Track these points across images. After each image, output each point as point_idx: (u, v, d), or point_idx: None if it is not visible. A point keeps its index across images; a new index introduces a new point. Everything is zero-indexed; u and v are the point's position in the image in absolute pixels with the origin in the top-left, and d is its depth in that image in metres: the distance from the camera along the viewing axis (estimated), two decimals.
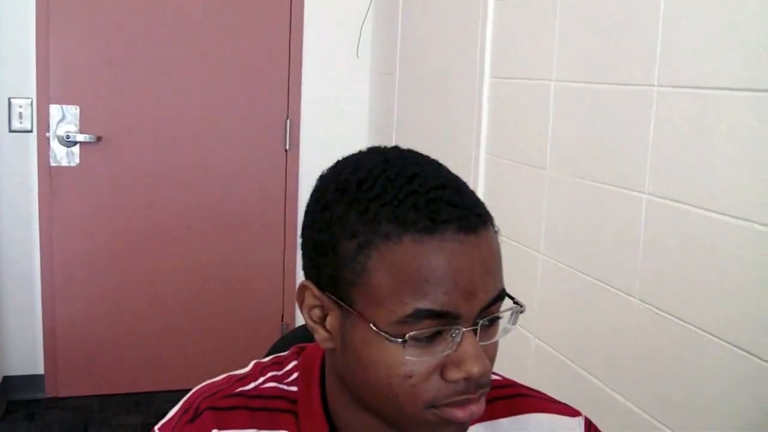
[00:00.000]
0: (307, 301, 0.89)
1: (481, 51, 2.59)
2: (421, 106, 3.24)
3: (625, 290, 1.86)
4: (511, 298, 0.87)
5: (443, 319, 0.80)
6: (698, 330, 1.62)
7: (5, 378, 3.86)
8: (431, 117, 3.11)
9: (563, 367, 2.12)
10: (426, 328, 0.80)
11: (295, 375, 0.98)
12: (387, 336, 0.80)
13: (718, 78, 1.58)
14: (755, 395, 1.49)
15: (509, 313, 0.87)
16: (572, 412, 1.05)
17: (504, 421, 1.01)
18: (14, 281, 3.82)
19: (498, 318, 0.85)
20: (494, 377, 1.01)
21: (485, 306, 0.82)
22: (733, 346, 1.53)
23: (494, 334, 0.86)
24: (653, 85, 1.76)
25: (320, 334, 0.89)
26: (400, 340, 0.80)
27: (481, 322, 0.82)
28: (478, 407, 0.84)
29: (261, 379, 0.98)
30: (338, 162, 0.91)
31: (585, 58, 2.04)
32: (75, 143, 3.68)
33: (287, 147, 3.96)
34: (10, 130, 3.69)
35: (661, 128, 1.74)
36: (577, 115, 2.07)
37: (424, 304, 0.79)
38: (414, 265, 0.79)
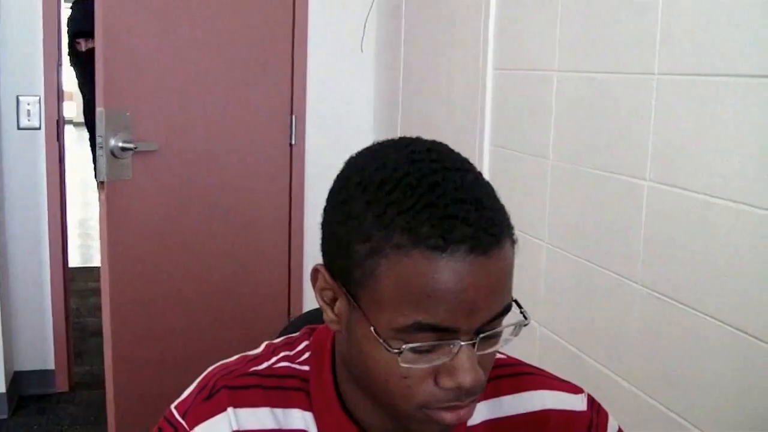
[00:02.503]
0: (319, 283, 0.93)
1: (484, 43, 2.61)
2: (425, 99, 3.27)
3: (628, 276, 1.89)
4: (519, 307, 0.88)
5: (442, 333, 0.82)
6: (701, 314, 1.65)
7: (16, 373, 3.90)
8: (436, 109, 3.14)
9: (568, 353, 2.14)
10: (424, 340, 0.82)
11: (306, 355, 1.01)
12: (384, 345, 0.83)
13: (717, 65, 1.60)
14: (758, 378, 1.51)
15: (512, 326, 0.88)
16: (575, 390, 1.07)
17: (508, 398, 1.03)
18: (23, 278, 3.86)
19: (499, 331, 0.86)
20: (499, 356, 1.03)
21: (486, 322, 0.83)
22: (735, 329, 1.55)
23: (494, 344, 0.87)
24: (653, 74, 1.78)
25: (329, 315, 0.92)
26: (396, 350, 0.82)
27: (480, 336, 0.83)
28: (466, 412, 0.87)
29: (273, 359, 1.01)
30: (368, 149, 0.92)
31: (586, 48, 2.06)
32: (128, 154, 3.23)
33: (292, 141, 3.98)
34: (19, 128, 3.72)
35: (661, 116, 1.77)
36: (579, 104, 2.10)
37: (425, 318, 0.81)
38: (420, 280, 0.80)
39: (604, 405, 1.10)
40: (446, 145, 0.91)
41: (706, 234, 1.63)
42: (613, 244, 1.95)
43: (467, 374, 0.83)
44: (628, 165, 1.88)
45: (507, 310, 0.85)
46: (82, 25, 3.81)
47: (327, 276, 0.90)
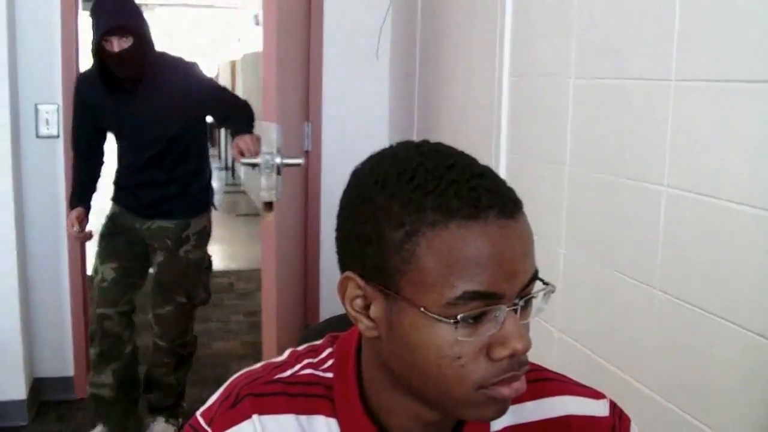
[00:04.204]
0: (349, 292, 0.93)
1: (500, 49, 2.62)
2: (441, 106, 3.28)
3: (646, 281, 1.88)
4: (541, 279, 0.91)
5: (488, 300, 0.85)
6: (719, 318, 1.64)
7: (36, 380, 3.92)
8: (452, 116, 3.14)
9: (586, 359, 2.14)
10: (473, 309, 0.84)
11: (330, 362, 1.02)
12: (439, 318, 0.84)
13: (733, 71, 1.60)
14: None
15: (541, 293, 0.92)
16: (597, 395, 1.08)
17: (530, 404, 1.04)
18: (42, 285, 3.89)
19: (533, 298, 0.90)
20: None
21: (524, 286, 0.87)
22: (754, 333, 1.55)
23: (529, 314, 0.90)
24: (670, 80, 1.78)
25: (364, 323, 0.92)
26: (452, 320, 0.84)
27: (520, 302, 0.87)
28: (521, 384, 0.89)
29: (297, 367, 1.02)
30: (371, 157, 0.95)
31: (602, 54, 2.06)
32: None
33: (308, 148, 3.99)
34: (38, 136, 3.76)
35: (678, 122, 1.77)
36: (595, 110, 2.10)
37: (472, 286, 0.84)
38: (461, 250, 0.84)
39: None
40: (446, 144, 0.95)
41: (724, 239, 1.63)
42: (632, 250, 1.95)
43: (518, 340, 0.86)
44: (645, 170, 1.88)
45: (536, 275, 0.89)
46: (115, 19, 3.07)
47: (359, 280, 0.91)
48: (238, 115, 3.30)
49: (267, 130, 2.74)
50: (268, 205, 2.79)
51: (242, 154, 3.06)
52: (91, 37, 3.08)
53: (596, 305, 2.11)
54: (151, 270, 3.51)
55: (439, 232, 0.84)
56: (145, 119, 3.28)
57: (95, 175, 3.50)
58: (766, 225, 1.52)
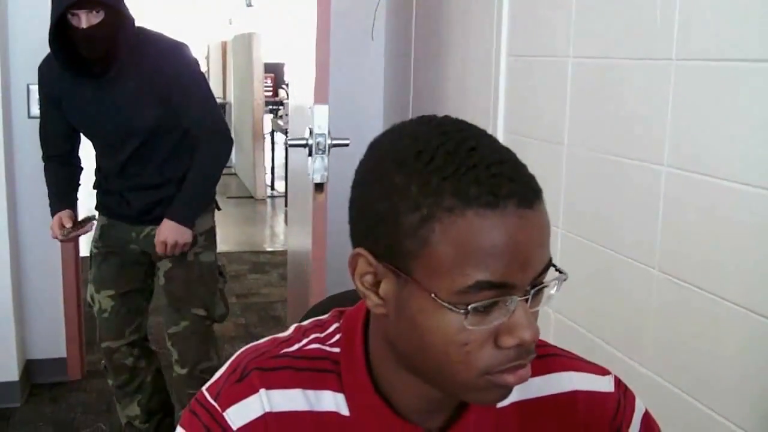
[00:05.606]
0: (359, 268, 0.91)
1: (497, 29, 2.61)
2: (437, 87, 3.26)
3: (645, 262, 1.88)
4: (555, 266, 0.90)
5: (501, 290, 0.83)
6: (719, 298, 1.65)
7: (29, 361, 3.92)
8: (448, 97, 3.13)
9: (584, 339, 2.15)
10: (485, 299, 0.83)
11: (337, 337, 1.01)
12: (450, 307, 0.83)
13: (735, 50, 1.60)
14: None
15: (555, 280, 0.91)
16: (602, 371, 1.09)
17: (537, 380, 1.04)
18: (35, 267, 3.88)
19: (545, 287, 0.88)
20: None
21: (536, 275, 0.85)
22: (754, 313, 1.55)
23: (539, 301, 0.89)
24: (671, 59, 1.78)
25: (372, 300, 0.91)
26: (462, 310, 0.83)
27: (532, 291, 0.85)
28: (526, 371, 0.88)
29: (304, 341, 1.01)
30: (391, 131, 0.93)
31: (602, 34, 2.05)
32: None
33: None
34: (29, 116, 3.73)
35: (679, 101, 1.76)
36: (595, 90, 2.09)
37: (485, 276, 0.82)
38: (477, 239, 0.82)
39: None
40: (468, 122, 0.93)
41: (724, 219, 1.63)
42: (630, 229, 1.95)
43: (526, 330, 0.85)
44: (645, 150, 1.88)
45: (550, 263, 0.88)
46: None
47: (370, 257, 0.90)
48: (192, 173, 2.89)
49: (317, 111, 2.77)
50: (319, 187, 2.80)
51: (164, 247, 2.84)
52: (52, 9, 2.59)
53: (595, 286, 2.11)
54: (160, 282, 3.04)
55: (456, 218, 0.82)
56: (117, 107, 2.79)
57: (74, 184, 3.07)
58: (764, 204, 1.52)
